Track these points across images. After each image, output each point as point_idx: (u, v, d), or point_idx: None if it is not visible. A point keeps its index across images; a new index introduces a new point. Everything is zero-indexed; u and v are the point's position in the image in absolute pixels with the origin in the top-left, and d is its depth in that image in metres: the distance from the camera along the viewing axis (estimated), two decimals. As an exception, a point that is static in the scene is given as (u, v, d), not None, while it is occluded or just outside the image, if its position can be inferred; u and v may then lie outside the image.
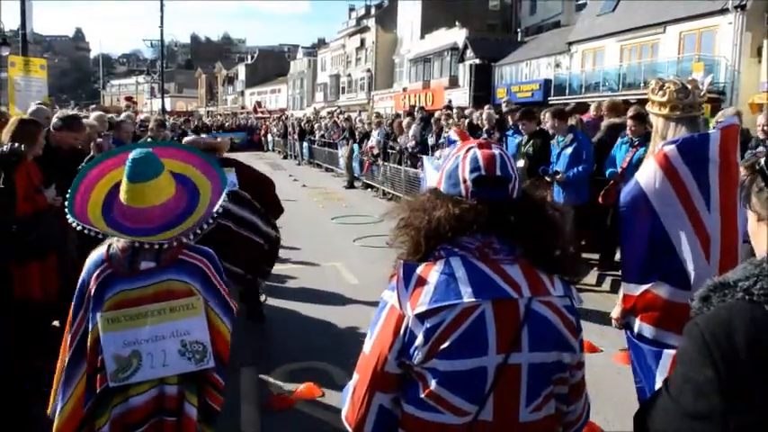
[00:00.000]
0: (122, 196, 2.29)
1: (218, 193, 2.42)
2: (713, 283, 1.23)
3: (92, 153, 5.39)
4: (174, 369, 2.33)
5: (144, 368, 2.30)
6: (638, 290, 2.79)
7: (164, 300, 2.32)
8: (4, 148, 3.87)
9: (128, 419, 2.31)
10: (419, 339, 1.46)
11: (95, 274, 2.34)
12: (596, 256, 8.03)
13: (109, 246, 2.38)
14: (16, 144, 3.94)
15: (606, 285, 7.27)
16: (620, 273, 7.13)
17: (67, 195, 2.35)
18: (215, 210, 2.37)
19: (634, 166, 6.88)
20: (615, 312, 2.98)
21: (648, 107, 2.98)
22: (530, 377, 1.49)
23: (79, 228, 2.27)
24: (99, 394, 2.32)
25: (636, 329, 2.81)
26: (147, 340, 2.30)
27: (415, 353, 1.47)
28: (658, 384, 2.69)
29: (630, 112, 7.11)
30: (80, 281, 2.40)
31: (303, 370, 4.82)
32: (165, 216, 2.30)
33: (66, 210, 2.31)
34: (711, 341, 1.11)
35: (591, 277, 7.48)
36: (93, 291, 2.33)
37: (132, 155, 2.28)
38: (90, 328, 2.34)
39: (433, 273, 1.51)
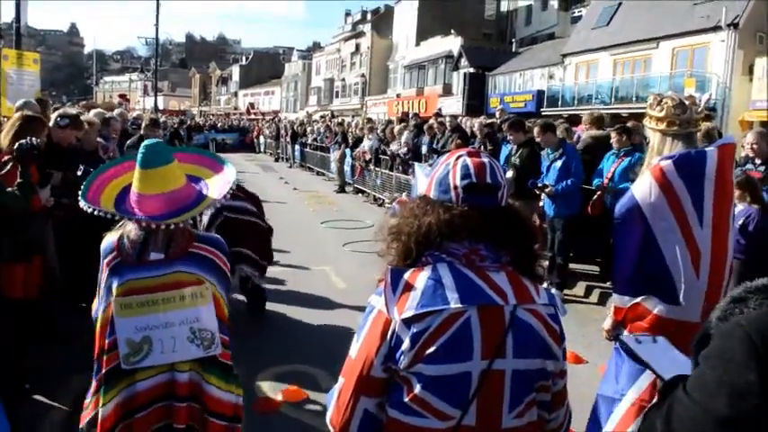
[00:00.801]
0: (134, 185, 2.39)
1: (227, 183, 2.53)
2: (752, 285, 1.18)
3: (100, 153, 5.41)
4: (183, 355, 2.42)
5: (154, 353, 2.38)
6: (628, 302, 2.81)
7: (173, 288, 2.40)
8: (23, 141, 3.84)
9: (132, 404, 2.40)
10: (405, 344, 1.48)
11: (106, 261, 2.43)
12: (583, 267, 8.09)
13: (120, 235, 2.45)
14: (34, 139, 3.92)
15: (594, 297, 7.31)
16: (608, 284, 7.19)
17: (82, 186, 2.45)
18: (222, 196, 2.47)
19: (619, 176, 7.09)
20: (606, 324, 3.00)
21: (645, 122, 3.01)
22: (513, 383, 1.51)
23: (90, 210, 2.36)
24: (106, 374, 2.39)
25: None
26: (157, 327, 2.38)
27: (401, 357, 1.49)
28: (627, 401, 2.72)
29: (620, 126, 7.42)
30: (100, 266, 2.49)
31: (289, 373, 4.82)
32: (175, 203, 2.38)
33: (80, 196, 2.40)
34: (761, 344, 1.05)
35: (579, 288, 7.52)
36: (104, 277, 2.42)
37: (144, 143, 2.40)
38: (101, 312, 2.43)
39: (420, 278, 1.53)
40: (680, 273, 2.72)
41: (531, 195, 7.31)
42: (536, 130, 7.47)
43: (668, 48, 24.89)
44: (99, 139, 6.01)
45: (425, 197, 1.66)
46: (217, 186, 2.53)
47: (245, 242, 5.51)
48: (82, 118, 5.65)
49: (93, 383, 2.46)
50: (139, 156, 2.35)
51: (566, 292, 7.27)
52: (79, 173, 4.73)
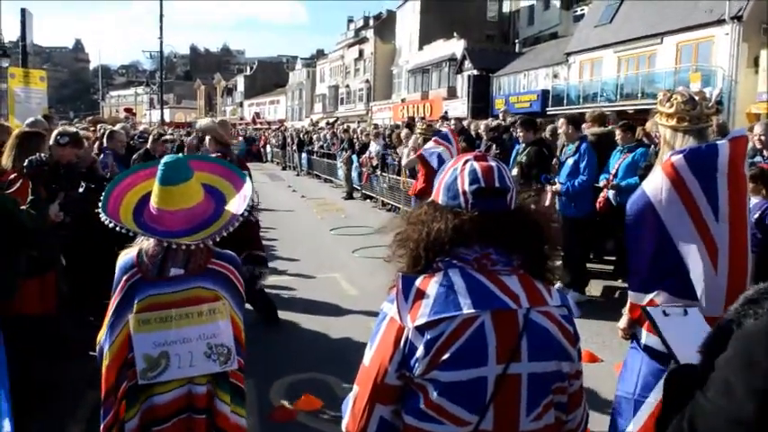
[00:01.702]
0: (153, 200, 2.42)
1: (244, 198, 2.57)
2: (765, 286, 1.18)
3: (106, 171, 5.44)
4: (200, 370, 2.44)
5: (171, 368, 2.40)
6: (644, 299, 2.79)
7: (192, 304, 2.43)
8: (33, 158, 3.86)
9: (153, 415, 2.42)
10: (420, 351, 1.47)
11: (125, 278, 2.44)
12: (597, 265, 8.04)
13: (139, 251, 2.47)
14: (43, 154, 3.93)
15: (608, 295, 7.25)
16: (620, 282, 7.10)
17: (101, 198, 2.47)
18: (240, 214, 2.50)
19: (623, 171, 7.17)
20: (622, 323, 2.97)
21: (657, 118, 3.00)
22: (529, 387, 1.51)
23: (112, 226, 2.38)
24: (128, 390, 2.41)
25: (643, 341, 2.80)
26: (175, 342, 2.41)
27: (416, 364, 1.48)
28: (649, 405, 2.69)
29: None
30: (114, 281, 2.50)
31: (303, 381, 4.82)
32: (193, 220, 2.42)
33: (100, 209, 2.43)
34: None
35: (592, 287, 7.44)
36: (123, 293, 2.43)
37: (164, 160, 2.44)
38: (110, 342, 2.43)
39: (432, 285, 1.53)
40: (697, 268, 2.69)
41: (540, 192, 7.22)
42: (560, 121, 7.45)
43: (672, 43, 24.79)
44: (98, 155, 6.04)
45: (434, 203, 1.66)
46: (234, 202, 2.56)
47: (254, 241, 5.68)
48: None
49: (110, 416, 2.41)
50: (159, 173, 2.38)
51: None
52: (81, 190, 4.73)
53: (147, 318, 2.39)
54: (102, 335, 2.49)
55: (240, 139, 29.16)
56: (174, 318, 2.41)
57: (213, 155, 5.67)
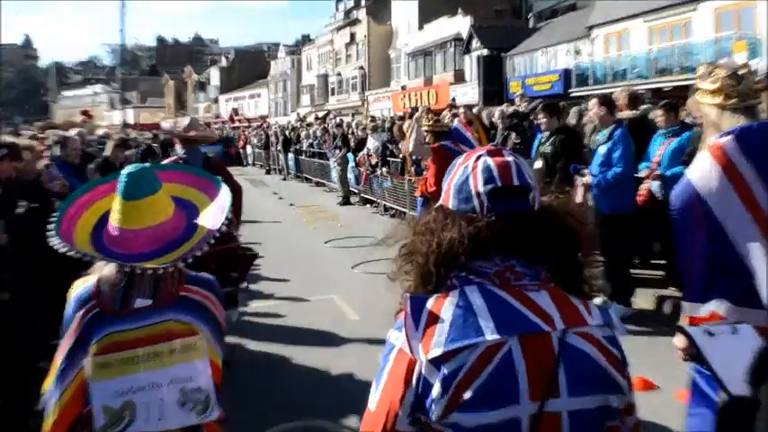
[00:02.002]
0: (114, 218, 2.31)
1: (221, 209, 2.47)
2: None
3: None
4: (172, 422, 2.31)
5: (137, 421, 2.27)
6: (701, 310, 2.72)
7: (162, 341, 2.31)
8: None
9: None
10: (436, 389, 1.41)
11: (81, 313, 2.32)
12: (645, 271, 7.94)
13: (99, 279, 2.37)
14: None
15: (660, 307, 7.12)
16: (673, 290, 6.97)
17: (53, 219, 2.36)
18: (217, 229, 2.40)
19: (668, 159, 7.12)
20: (679, 340, 2.90)
21: (698, 96, 2.98)
22: (572, 427, 1.44)
23: (65, 250, 2.25)
24: None
25: None
26: (142, 388, 2.28)
27: (432, 406, 1.42)
28: None
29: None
30: (64, 318, 2.38)
31: (298, 431, 4.74)
32: (162, 239, 2.31)
33: (52, 231, 2.31)
34: None
35: (641, 298, 7.30)
36: (78, 331, 2.30)
37: (126, 170, 2.33)
38: (76, 371, 2.31)
39: (446, 306, 1.47)
40: (760, 268, 2.64)
41: (568, 185, 7.11)
42: (591, 102, 7.43)
43: (709, 9, 24.88)
44: (43, 163, 6.01)
45: (443, 208, 1.61)
46: (210, 214, 2.46)
47: (230, 263, 5.65)
48: (19, 142, 5.63)
49: None
50: (121, 185, 2.28)
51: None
52: (20, 210, 4.65)
53: (108, 361, 2.27)
54: (48, 384, 2.36)
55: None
56: (141, 359, 2.28)
57: (173, 159, 5.74)
